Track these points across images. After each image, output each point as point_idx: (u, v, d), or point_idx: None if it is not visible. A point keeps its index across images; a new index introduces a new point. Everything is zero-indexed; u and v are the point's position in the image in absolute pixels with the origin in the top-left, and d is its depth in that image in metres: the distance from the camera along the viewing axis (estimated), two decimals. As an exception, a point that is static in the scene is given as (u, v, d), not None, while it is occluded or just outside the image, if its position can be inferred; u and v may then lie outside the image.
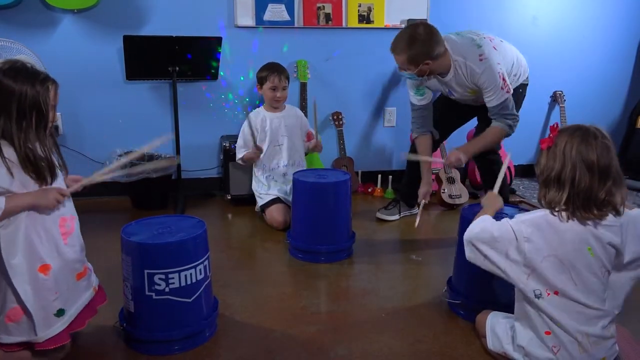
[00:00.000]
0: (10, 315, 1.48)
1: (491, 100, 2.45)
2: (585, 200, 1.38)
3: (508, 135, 2.54)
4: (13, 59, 1.51)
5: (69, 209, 1.59)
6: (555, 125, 1.47)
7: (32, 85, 1.45)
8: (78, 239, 1.62)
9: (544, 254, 1.42)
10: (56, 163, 1.54)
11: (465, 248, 1.57)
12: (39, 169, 1.47)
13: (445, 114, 2.83)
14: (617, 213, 1.40)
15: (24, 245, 1.46)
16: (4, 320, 1.49)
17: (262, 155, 2.93)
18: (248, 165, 3.04)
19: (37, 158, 1.46)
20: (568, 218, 1.40)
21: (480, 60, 2.40)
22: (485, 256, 1.51)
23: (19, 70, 1.46)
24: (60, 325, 1.54)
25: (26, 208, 1.46)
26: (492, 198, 1.73)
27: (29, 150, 1.45)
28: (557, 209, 1.41)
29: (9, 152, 1.43)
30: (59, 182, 1.56)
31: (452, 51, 2.44)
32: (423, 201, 2.63)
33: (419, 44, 2.34)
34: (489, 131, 2.55)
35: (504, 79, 2.43)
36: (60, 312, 1.54)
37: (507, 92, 2.45)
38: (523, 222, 1.46)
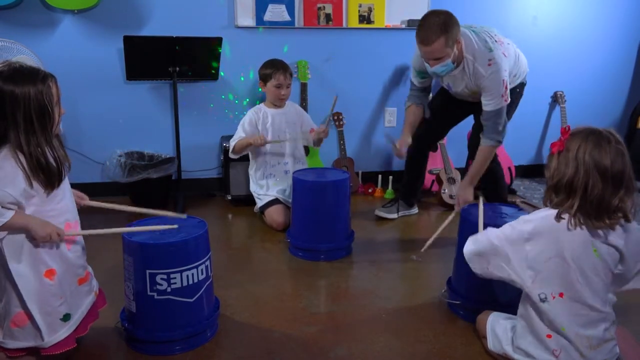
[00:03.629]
0: (15, 321, 1.48)
1: (488, 104, 2.46)
2: (597, 208, 1.34)
3: (496, 149, 2.57)
4: (6, 61, 1.47)
5: (73, 215, 1.59)
6: (567, 128, 1.40)
7: (34, 85, 1.41)
8: (81, 244, 1.62)
9: (549, 255, 1.40)
10: (64, 168, 1.51)
11: (471, 262, 1.59)
12: (49, 176, 1.45)
13: (443, 112, 2.84)
14: (627, 220, 1.37)
15: (29, 251, 1.45)
16: (9, 326, 1.48)
17: (266, 147, 2.89)
18: (239, 155, 2.92)
19: (48, 164, 1.44)
20: (576, 225, 1.36)
21: (489, 65, 2.40)
22: (487, 268, 1.52)
23: (17, 73, 1.42)
24: (66, 330, 1.54)
25: (22, 229, 1.43)
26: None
27: (40, 157, 1.42)
28: (564, 216, 1.37)
29: (22, 160, 1.40)
30: (65, 184, 1.54)
31: (465, 47, 2.43)
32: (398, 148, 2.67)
33: (453, 23, 2.32)
34: (480, 154, 2.55)
35: (506, 87, 2.43)
36: (66, 317, 1.54)
37: (505, 100, 2.45)
38: (527, 222, 1.44)
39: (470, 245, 1.59)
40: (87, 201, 1.71)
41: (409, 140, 2.73)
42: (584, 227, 1.36)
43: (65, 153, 1.54)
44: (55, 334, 1.51)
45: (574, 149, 1.35)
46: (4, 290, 1.48)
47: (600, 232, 1.36)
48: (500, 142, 2.51)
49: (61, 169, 1.49)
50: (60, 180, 1.49)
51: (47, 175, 1.44)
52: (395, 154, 2.75)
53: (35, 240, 1.44)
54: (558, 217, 1.38)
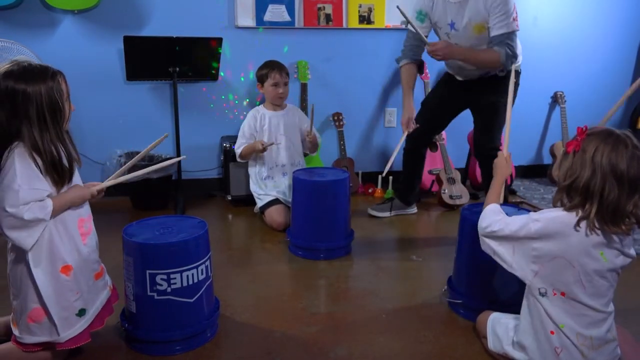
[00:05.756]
0: (32, 316, 1.49)
1: (498, 27, 2.36)
2: (613, 214, 1.32)
3: (501, 66, 2.45)
4: (15, 60, 1.49)
5: (86, 209, 1.61)
6: (584, 128, 1.37)
7: (44, 82, 1.44)
8: (95, 239, 1.64)
9: (553, 255, 1.39)
10: (74, 163, 1.53)
11: (480, 240, 1.58)
12: (61, 172, 1.47)
13: (438, 109, 2.84)
14: None
15: (47, 247, 1.47)
16: (26, 321, 1.50)
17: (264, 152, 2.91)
18: (246, 160, 2.99)
19: (61, 161, 1.47)
20: (592, 231, 1.34)
21: None
22: (494, 252, 1.52)
23: (28, 71, 1.45)
24: (82, 325, 1.56)
25: (67, 207, 1.49)
26: (502, 162, 1.67)
27: (54, 153, 1.45)
28: (581, 223, 1.35)
29: (37, 158, 1.43)
30: (76, 177, 1.57)
31: None
32: (406, 132, 2.67)
33: None
34: (486, 50, 2.45)
35: (516, 13, 2.37)
36: (81, 312, 1.56)
37: (516, 26, 2.38)
38: (535, 221, 1.42)
39: (483, 225, 1.55)
40: (100, 186, 1.65)
41: (413, 108, 2.68)
42: (599, 232, 1.34)
43: (75, 149, 1.56)
44: (70, 329, 1.53)
45: (591, 151, 1.32)
46: (20, 286, 1.49)
47: (614, 237, 1.35)
48: (508, 59, 2.38)
49: (72, 165, 1.51)
50: (71, 176, 1.52)
51: (59, 172, 1.47)
52: (403, 123, 2.71)
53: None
54: (577, 226, 1.35)
